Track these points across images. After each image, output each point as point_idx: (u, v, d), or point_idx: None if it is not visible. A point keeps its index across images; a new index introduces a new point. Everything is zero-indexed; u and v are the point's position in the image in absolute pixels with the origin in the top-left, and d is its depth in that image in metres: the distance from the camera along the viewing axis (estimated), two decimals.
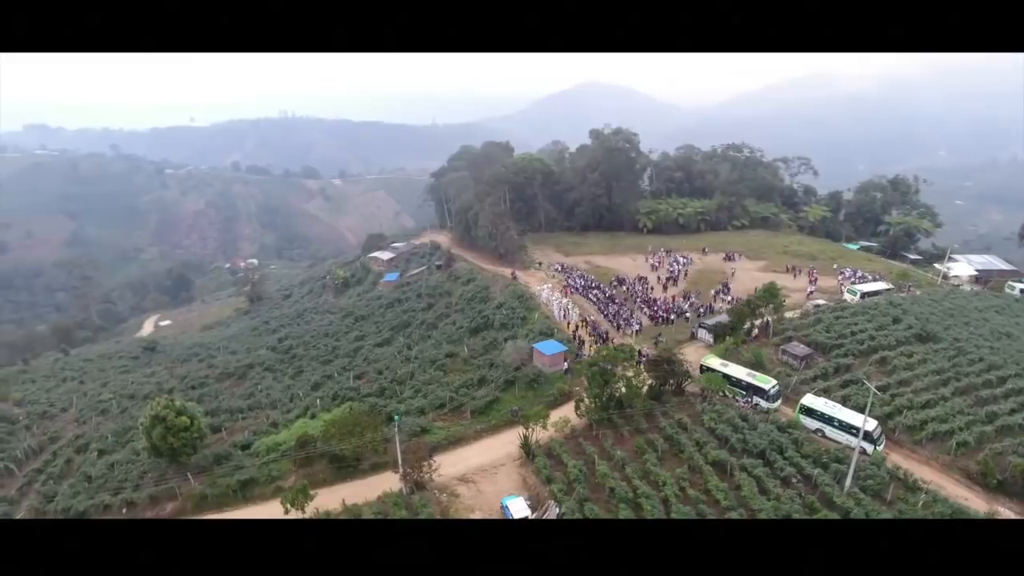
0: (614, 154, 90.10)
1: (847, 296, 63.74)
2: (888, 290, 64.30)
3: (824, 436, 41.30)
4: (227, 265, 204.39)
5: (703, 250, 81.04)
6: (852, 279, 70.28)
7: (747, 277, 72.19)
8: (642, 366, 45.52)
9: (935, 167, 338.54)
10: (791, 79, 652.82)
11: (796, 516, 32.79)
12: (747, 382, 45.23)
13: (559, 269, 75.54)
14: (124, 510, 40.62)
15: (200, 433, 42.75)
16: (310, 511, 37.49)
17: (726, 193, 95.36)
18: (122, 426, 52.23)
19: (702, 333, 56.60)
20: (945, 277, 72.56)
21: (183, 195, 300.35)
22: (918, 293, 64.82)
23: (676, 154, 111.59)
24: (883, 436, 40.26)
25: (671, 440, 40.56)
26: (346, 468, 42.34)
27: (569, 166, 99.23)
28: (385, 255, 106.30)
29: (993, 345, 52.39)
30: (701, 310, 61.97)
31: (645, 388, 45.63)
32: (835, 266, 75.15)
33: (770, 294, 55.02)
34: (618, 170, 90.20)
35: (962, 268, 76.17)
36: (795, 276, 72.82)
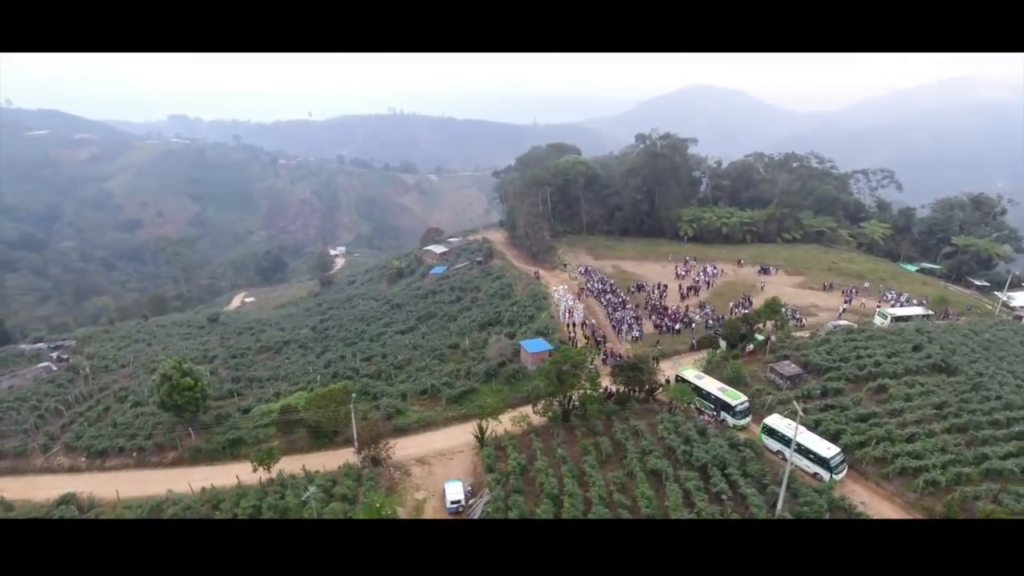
0: (658, 160, 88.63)
1: (877, 319, 59.84)
2: (927, 316, 59.56)
3: (784, 459, 39.94)
4: (318, 251, 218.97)
5: (739, 262, 78.29)
6: (894, 302, 65.57)
7: (777, 292, 69.08)
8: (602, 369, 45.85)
9: None
10: (923, 85, 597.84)
11: None
12: (716, 396, 44.38)
13: (583, 272, 76.04)
14: (135, 453, 46.86)
15: (203, 393, 48.24)
16: (275, 471, 41.79)
17: (782, 204, 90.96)
18: None
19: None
20: (1006, 306, 65.68)
21: (292, 184, 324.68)
22: (960, 321, 59.52)
23: (743, 160, 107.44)
24: (844, 465, 38.38)
25: (619, 445, 40.86)
26: (323, 439, 46.25)
27: (616, 170, 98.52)
28: (438, 249, 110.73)
29: (1023, 383, 47.58)
30: (710, 322, 60.49)
31: (612, 391, 46.26)
32: (866, 285, 70.45)
33: (771, 310, 53.11)
34: (660, 176, 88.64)
35: None
36: (843, 294, 68.88)
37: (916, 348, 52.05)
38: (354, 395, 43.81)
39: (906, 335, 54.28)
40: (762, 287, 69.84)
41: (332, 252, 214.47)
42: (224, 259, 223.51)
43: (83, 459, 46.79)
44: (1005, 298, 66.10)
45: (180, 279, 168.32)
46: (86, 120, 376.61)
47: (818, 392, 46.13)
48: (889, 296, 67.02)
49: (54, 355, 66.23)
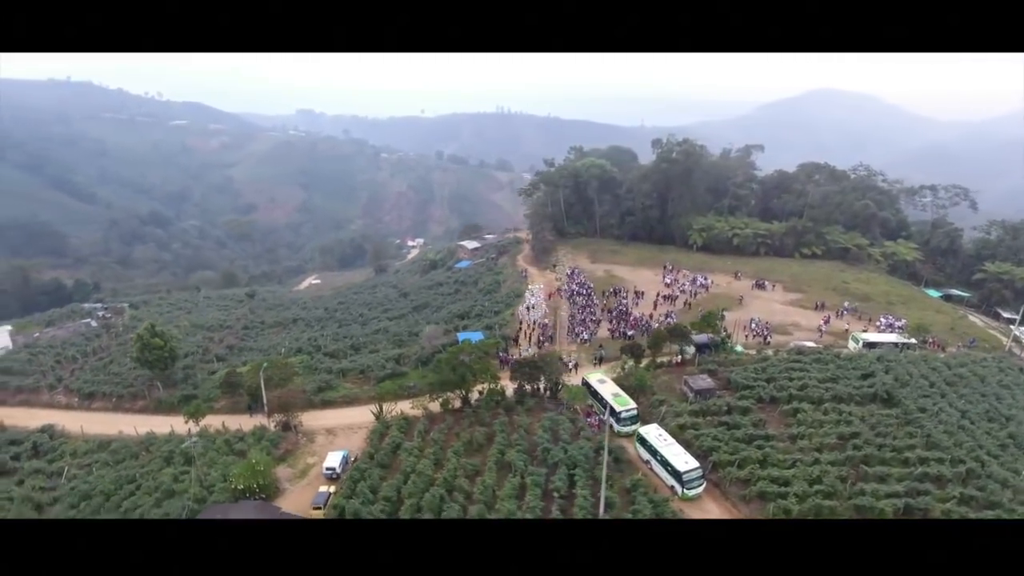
0: (671, 166, 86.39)
1: (850, 344, 56.14)
2: (905, 344, 54.98)
3: (651, 469, 39.82)
4: (397, 241, 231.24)
5: (736, 274, 75.12)
6: (884, 327, 60.81)
7: (763, 307, 66.32)
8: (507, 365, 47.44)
9: None
10: None
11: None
12: (607, 402, 44.57)
13: (568, 273, 76.60)
14: (114, 399, 54.93)
15: (171, 353, 55.40)
16: (202, 425, 47.58)
17: (808, 217, 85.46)
18: None
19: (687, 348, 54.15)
20: (1017, 341, 58.52)
21: (391, 177, 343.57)
22: (943, 354, 54.38)
23: (783, 171, 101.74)
24: (701, 481, 37.68)
25: (493, 437, 42.52)
26: (258, 403, 51.65)
27: (634, 174, 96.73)
28: (471, 244, 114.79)
29: (967, 425, 43.34)
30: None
31: (512, 387, 47.80)
32: (846, 304, 66.13)
33: (705, 322, 51.80)
34: (672, 182, 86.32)
35: None
36: (835, 315, 64.76)
37: (865, 376, 48.69)
38: (264, 365, 48.68)
39: (861, 362, 50.76)
40: (740, 300, 67.13)
41: (410, 243, 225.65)
42: (315, 244, 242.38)
43: (76, 399, 55.57)
44: (1017, 332, 58.77)
45: (258, 258, 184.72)
46: (222, 112, 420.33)
47: (724, 409, 44.81)
48: (882, 321, 62.04)
49: (100, 314, 77.48)
